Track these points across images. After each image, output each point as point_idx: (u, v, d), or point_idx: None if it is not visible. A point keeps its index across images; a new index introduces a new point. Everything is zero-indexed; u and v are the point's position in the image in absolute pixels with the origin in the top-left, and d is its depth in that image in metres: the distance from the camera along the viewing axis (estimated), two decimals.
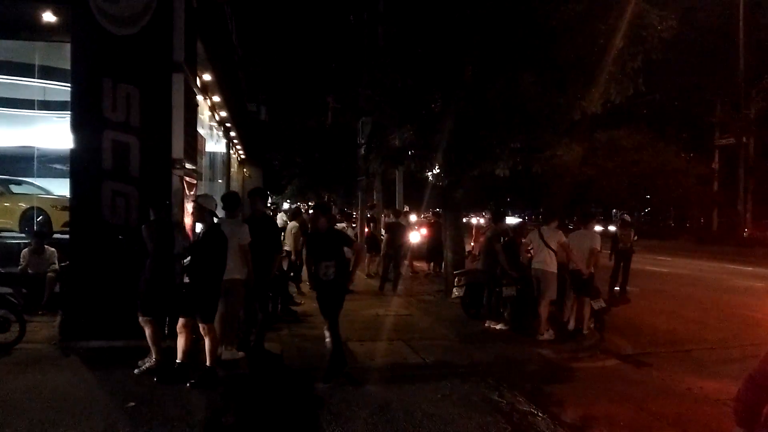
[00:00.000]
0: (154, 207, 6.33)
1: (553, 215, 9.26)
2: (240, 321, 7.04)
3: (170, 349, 6.23)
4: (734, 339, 8.87)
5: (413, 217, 19.45)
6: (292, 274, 11.77)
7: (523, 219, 45.40)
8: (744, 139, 33.93)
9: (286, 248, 11.69)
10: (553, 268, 8.52)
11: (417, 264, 16.19)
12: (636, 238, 13.42)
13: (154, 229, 6.16)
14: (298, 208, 15.46)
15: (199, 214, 6.22)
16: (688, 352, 8.09)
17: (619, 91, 9.50)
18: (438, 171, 11.23)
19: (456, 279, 10.26)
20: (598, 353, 7.84)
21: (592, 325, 8.76)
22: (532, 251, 8.87)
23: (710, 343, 8.62)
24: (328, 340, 6.42)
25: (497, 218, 9.94)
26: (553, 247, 8.51)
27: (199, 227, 6.77)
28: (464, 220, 22.04)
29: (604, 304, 8.92)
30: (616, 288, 11.99)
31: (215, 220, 6.32)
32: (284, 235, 11.38)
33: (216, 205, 6.44)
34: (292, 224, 12.11)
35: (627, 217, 14.44)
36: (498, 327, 8.90)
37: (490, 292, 9.40)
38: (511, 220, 32.36)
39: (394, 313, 10.26)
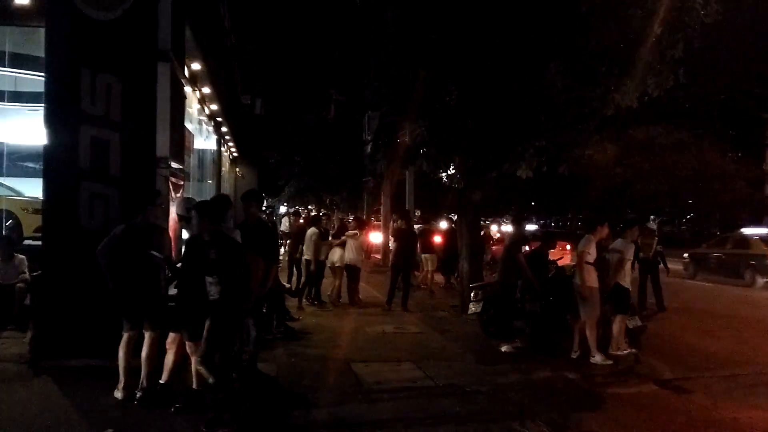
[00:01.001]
0: (141, 210, 6.28)
1: (597, 223, 9.01)
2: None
3: (159, 367, 6.14)
4: None
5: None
6: (304, 286, 12.34)
7: (548, 226, 45.26)
8: None
9: (306, 257, 12.42)
10: (593, 283, 8.47)
11: (418, 273, 16.15)
12: (660, 247, 13.36)
13: (168, 237, 6.14)
14: (317, 214, 15.79)
15: (186, 219, 6.17)
16: (733, 376, 8.03)
17: (657, 83, 9.47)
18: (453, 172, 11.33)
19: (473, 293, 10.29)
20: (632, 377, 7.82)
21: (626, 348, 8.76)
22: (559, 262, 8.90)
23: (758, 366, 8.58)
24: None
25: (517, 224, 9.98)
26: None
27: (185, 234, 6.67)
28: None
29: (640, 323, 9.09)
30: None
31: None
32: (284, 242, 11.44)
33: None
34: (311, 231, 12.51)
35: (651, 224, 14.37)
36: (506, 348, 8.84)
37: (504, 308, 9.39)
38: (531, 227, 32.53)
39: (403, 331, 10.30)
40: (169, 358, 6.13)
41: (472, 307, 10.15)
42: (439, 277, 16.37)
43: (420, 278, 16.09)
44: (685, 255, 22.24)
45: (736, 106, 36.39)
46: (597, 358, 8.36)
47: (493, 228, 27.86)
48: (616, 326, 8.72)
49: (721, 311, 13.52)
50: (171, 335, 6.15)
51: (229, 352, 5.65)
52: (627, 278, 8.79)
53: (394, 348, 8.99)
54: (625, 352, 8.70)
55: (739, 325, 11.72)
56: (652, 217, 21.11)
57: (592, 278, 8.42)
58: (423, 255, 15.72)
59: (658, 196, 33.50)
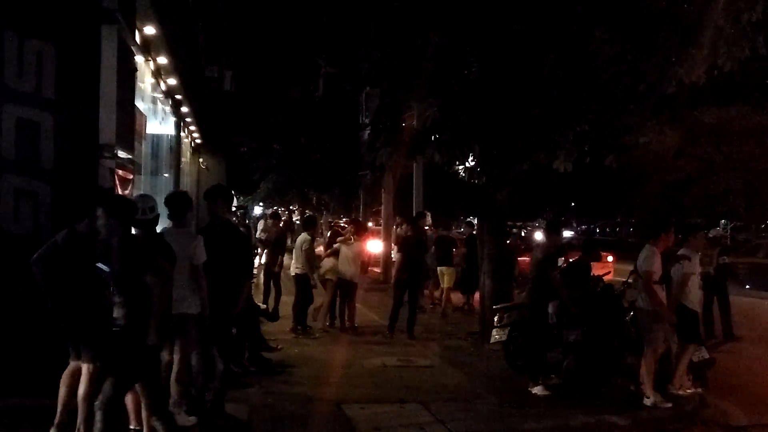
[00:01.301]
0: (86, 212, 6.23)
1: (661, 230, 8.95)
2: (193, 373, 7.00)
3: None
4: None
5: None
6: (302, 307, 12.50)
7: (591, 233, 45.07)
8: None
9: (296, 271, 12.61)
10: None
11: (428, 291, 16.43)
12: (725, 260, 13.38)
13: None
14: (311, 215, 15.79)
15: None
16: None
17: (730, 53, 9.47)
18: (473, 164, 11.52)
19: (497, 317, 10.27)
20: (697, 424, 7.84)
21: (690, 386, 8.80)
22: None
23: None
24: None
25: (551, 231, 9.89)
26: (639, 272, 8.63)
27: None
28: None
29: (706, 355, 9.07)
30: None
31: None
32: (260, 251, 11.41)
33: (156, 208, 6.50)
34: (303, 237, 12.75)
35: (715, 232, 14.39)
36: (538, 390, 8.84)
37: (535, 336, 9.37)
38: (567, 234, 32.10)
39: (409, 364, 10.36)
40: (127, 398, 6.11)
41: (496, 335, 10.15)
42: (457, 297, 16.32)
43: (433, 296, 16.15)
44: None
45: None
46: (653, 400, 8.35)
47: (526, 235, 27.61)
48: (682, 359, 8.72)
49: None
50: None
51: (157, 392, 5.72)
52: (694, 298, 8.85)
53: (397, 385, 8.97)
54: (689, 391, 8.73)
55: None
56: (722, 222, 21.09)
57: (659, 300, 8.44)
58: (439, 268, 15.67)
59: (730, 195, 33.29)
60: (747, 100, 31.29)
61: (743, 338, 13.00)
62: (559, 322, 9.54)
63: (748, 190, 33.56)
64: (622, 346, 9.20)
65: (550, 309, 9.79)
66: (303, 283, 12.61)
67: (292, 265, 12.89)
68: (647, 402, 8.35)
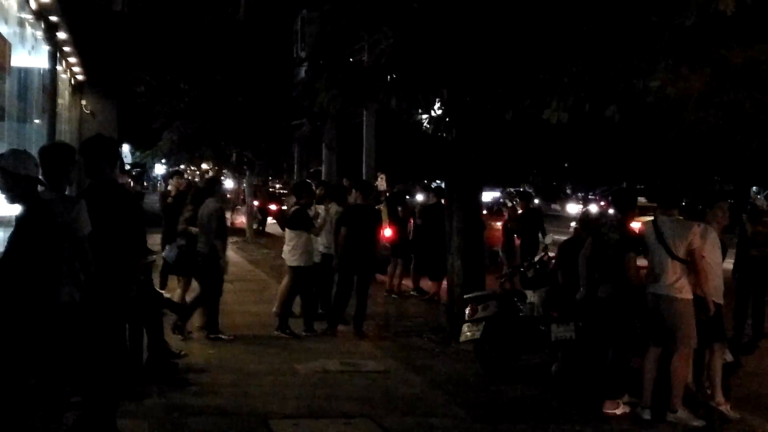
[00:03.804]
0: None
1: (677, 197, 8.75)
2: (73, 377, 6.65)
3: None
4: None
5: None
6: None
7: (590, 201, 44.13)
8: None
9: (323, 249, 11.97)
10: (688, 293, 8.07)
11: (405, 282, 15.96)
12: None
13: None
14: (339, 183, 15.45)
15: (6, 186, 5.97)
16: None
17: None
18: (440, 113, 11.03)
19: (468, 309, 9.69)
20: None
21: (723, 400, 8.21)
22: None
23: None
24: None
25: (624, 203, 9.17)
26: (681, 256, 7.98)
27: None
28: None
29: (731, 358, 8.62)
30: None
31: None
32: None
33: (37, 167, 6.16)
34: (333, 207, 12.17)
35: (762, 202, 13.86)
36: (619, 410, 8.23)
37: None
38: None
39: (357, 369, 9.81)
40: None
41: (467, 331, 9.55)
42: (424, 284, 16.04)
43: (392, 282, 15.91)
44: None
45: None
46: (682, 415, 7.87)
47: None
48: (715, 363, 8.24)
49: None
50: None
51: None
52: (719, 288, 8.29)
53: (342, 396, 8.46)
54: (727, 407, 8.19)
55: None
56: (754, 189, 20.60)
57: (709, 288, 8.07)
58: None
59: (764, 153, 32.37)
60: None
61: None
62: (545, 314, 9.20)
63: None
64: (626, 347, 8.59)
65: (535, 299, 9.65)
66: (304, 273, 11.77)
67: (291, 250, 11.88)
68: (672, 418, 7.91)
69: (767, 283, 12.26)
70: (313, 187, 13.11)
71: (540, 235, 15.52)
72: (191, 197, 12.44)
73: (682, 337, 7.93)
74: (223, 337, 11.25)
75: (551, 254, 10.54)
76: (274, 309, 12.08)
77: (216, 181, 13.20)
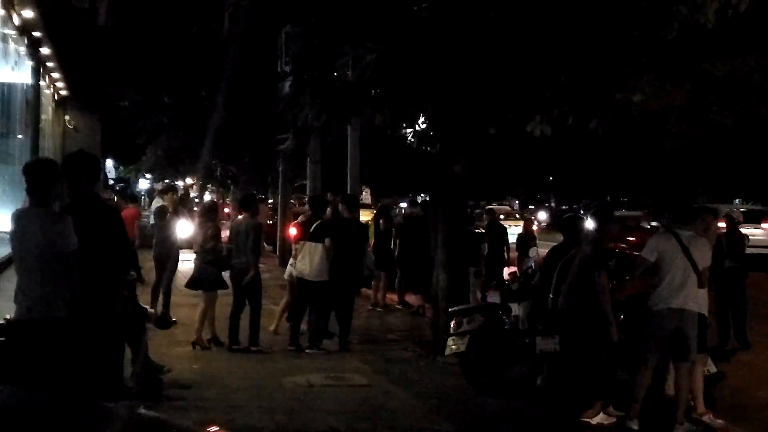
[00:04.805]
0: None
1: (699, 210, 8.91)
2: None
3: None
4: None
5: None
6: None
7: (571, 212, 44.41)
8: None
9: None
10: (704, 308, 8.31)
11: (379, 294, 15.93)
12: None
13: None
14: (319, 196, 15.57)
15: None
16: None
17: None
18: (424, 127, 11.09)
19: (454, 322, 9.80)
20: None
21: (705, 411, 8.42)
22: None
23: None
24: None
25: (602, 217, 9.18)
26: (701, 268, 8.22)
27: None
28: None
29: (714, 368, 8.77)
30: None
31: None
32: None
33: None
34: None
35: (735, 212, 14.04)
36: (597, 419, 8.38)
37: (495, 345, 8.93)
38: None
39: (341, 383, 9.79)
40: None
41: (452, 345, 9.60)
42: (409, 297, 16.09)
43: (376, 297, 15.94)
44: None
45: None
46: (689, 427, 8.05)
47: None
48: (696, 374, 8.32)
49: None
50: None
51: None
52: (706, 299, 8.46)
53: (327, 410, 8.47)
54: (717, 421, 8.35)
55: None
56: (737, 200, 20.82)
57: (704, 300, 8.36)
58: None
59: (747, 166, 32.11)
60: (767, 49, 27.10)
61: (759, 346, 12.54)
62: (530, 327, 9.27)
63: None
64: (611, 359, 8.70)
65: (520, 311, 9.70)
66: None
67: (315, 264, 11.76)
68: (679, 429, 8.09)
69: (742, 294, 12.50)
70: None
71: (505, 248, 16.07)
72: (206, 214, 12.75)
73: (693, 349, 8.14)
74: (263, 350, 11.53)
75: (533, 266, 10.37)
76: (272, 327, 12.28)
77: (252, 198, 13.46)
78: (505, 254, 16.36)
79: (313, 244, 11.70)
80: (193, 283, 12.08)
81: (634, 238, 24.09)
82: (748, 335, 12.50)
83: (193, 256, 12.16)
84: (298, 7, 11.70)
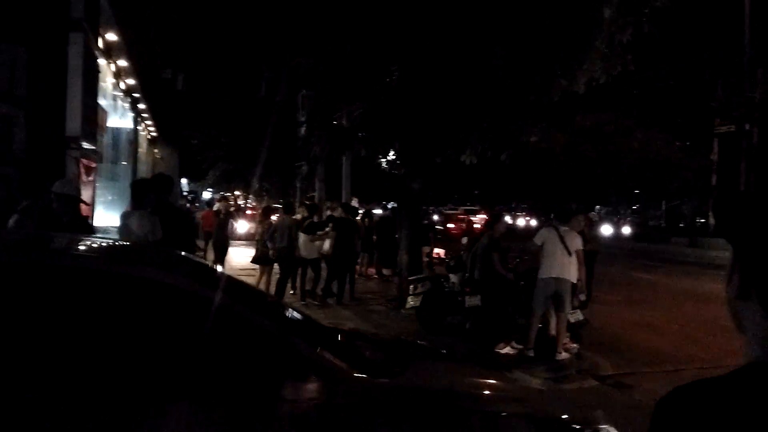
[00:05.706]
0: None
1: (574, 212, 9.23)
2: None
3: None
4: (728, 356, 8.52)
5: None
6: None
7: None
8: (747, 127, 33.60)
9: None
10: (574, 277, 8.65)
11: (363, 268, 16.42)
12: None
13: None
14: (314, 203, 15.47)
15: (61, 206, 5.89)
16: (676, 371, 8.30)
17: (606, 68, 9.67)
18: (393, 157, 11.22)
19: (411, 286, 10.35)
20: (573, 374, 8.07)
21: (569, 344, 8.96)
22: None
23: (701, 362, 8.87)
24: None
25: (495, 220, 9.76)
26: (571, 251, 8.60)
27: None
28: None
29: (582, 317, 9.28)
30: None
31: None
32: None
33: (78, 190, 6.22)
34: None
35: (593, 215, 14.99)
36: (505, 350, 8.84)
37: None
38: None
39: (337, 325, 9.25)
40: None
41: (411, 301, 10.21)
42: (385, 271, 16.52)
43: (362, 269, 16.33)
44: None
45: (686, 94, 37.29)
46: (565, 355, 8.59)
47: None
48: (561, 321, 8.82)
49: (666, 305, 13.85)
50: None
51: None
52: (574, 270, 8.76)
53: None
54: (573, 345, 8.92)
55: (682, 321, 12.00)
56: (597, 207, 21.90)
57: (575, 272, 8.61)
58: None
59: (604, 185, 34.95)
60: (618, 108, 32.93)
61: (613, 302, 13.18)
62: (461, 289, 9.71)
63: (618, 181, 35.44)
64: (514, 311, 9.36)
65: (455, 279, 9.98)
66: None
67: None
68: (560, 357, 8.51)
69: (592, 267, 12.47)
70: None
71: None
72: (261, 215, 13.51)
73: (567, 304, 8.66)
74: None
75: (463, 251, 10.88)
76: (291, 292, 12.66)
77: (290, 205, 13.64)
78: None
79: (307, 235, 12.30)
80: (256, 259, 12.57)
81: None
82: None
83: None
84: (310, 78, 11.75)
